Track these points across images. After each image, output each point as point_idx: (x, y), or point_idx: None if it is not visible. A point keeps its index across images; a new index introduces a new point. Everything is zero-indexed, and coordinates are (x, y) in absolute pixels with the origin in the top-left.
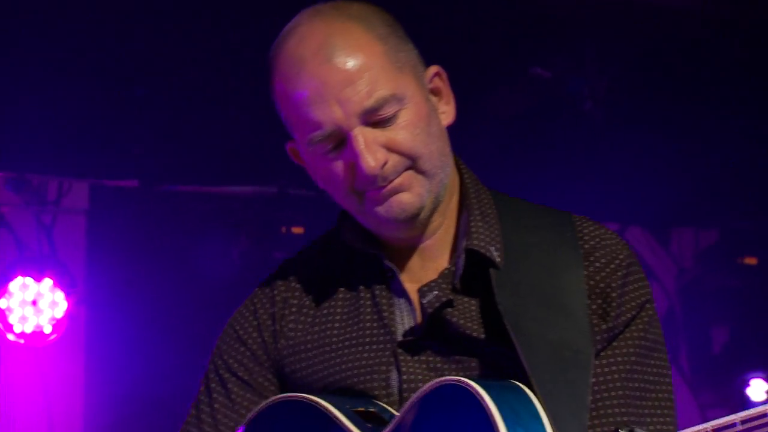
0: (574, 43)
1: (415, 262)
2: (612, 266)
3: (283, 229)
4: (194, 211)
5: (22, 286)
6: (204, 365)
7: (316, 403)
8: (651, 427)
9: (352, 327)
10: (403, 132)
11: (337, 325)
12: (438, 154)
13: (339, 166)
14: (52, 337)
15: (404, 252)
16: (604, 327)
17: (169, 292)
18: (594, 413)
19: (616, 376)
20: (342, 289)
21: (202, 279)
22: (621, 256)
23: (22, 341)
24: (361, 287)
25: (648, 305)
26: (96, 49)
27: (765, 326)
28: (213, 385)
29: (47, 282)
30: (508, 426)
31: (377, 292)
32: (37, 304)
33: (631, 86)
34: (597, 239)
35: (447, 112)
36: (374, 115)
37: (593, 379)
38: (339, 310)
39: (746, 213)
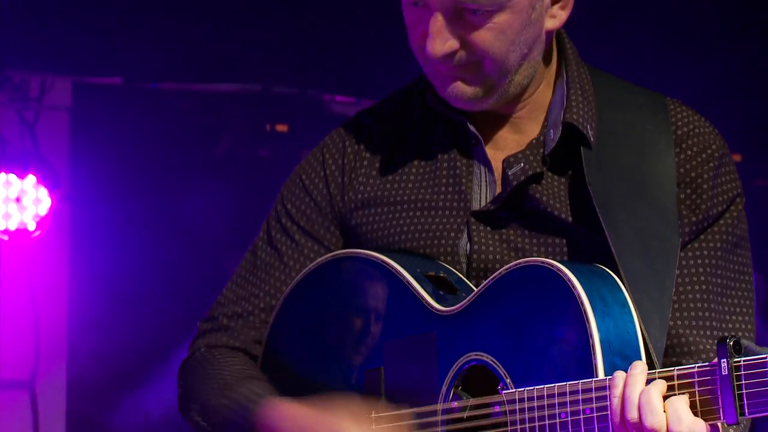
0: None
1: (501, 131)
2: (704, 155)
3: (268, 127)
4: (178, 109)
5: (5, 183)
6: (188, 260)
7: (385, 262)
8: (731, 325)
9: (426, 189)
10: (488, 34)
11: (410, 185)
12: (516, 59)
13: (417, 28)
14: (36, 233)
15: (490, 120)
16: (693, 219)
17: (152, 187)
18: (675, 305)
19: (701, 269)
20: (419, 149)
21: (186, 176)
22: (714, 146)
23: (6, 238)
24: (440, 150)
25: (738, 199)
26: None
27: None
28: (273, 232)
29: (30, 179)
30: (597, 315)
31: (457, 157)
32: (21, 201)
33: None
34: (690, 126)
35: (558, 16)
36: (467, 4)
37: (677, 271)
38: (414, 170)
39: None
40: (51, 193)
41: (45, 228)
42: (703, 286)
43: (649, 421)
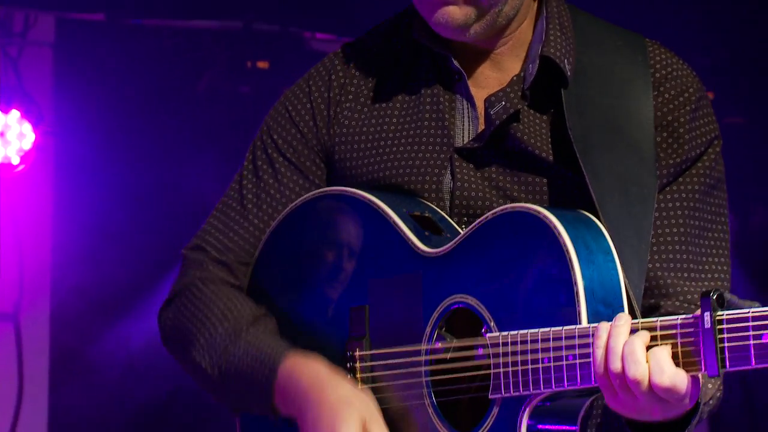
0: None
1: (484, 68)
2: (681, 99)
3: (249, 64)
4: (159, 46)
5: None
6: (170, 194)
7: (371, 201)
8: (708, 267)
9: (410, 125)
10: None
11: (395, 120)
12: None
13: None
14: (20, 168)
15: (473, 56)
16: (670, 162)
17: (135, 122)
18: (654, 248)
19: (679, 212)
20: (404, 84)
21: (168, 111)
22: (691, 89)
23: None
24: (424, 85)
25: (716, 142)
26: None
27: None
28: (259, 162)
29: (14, 114)
30: (582, 262)
31: (440, 93)
32: (5, 135)
33: None
34: (669, 68)
35: None
36: None
37: (655, 214)
38: (398, 105)
39: None
40: (35, 128)
41: (29, 162)
42: (681, 229)
43: (632, 372)
